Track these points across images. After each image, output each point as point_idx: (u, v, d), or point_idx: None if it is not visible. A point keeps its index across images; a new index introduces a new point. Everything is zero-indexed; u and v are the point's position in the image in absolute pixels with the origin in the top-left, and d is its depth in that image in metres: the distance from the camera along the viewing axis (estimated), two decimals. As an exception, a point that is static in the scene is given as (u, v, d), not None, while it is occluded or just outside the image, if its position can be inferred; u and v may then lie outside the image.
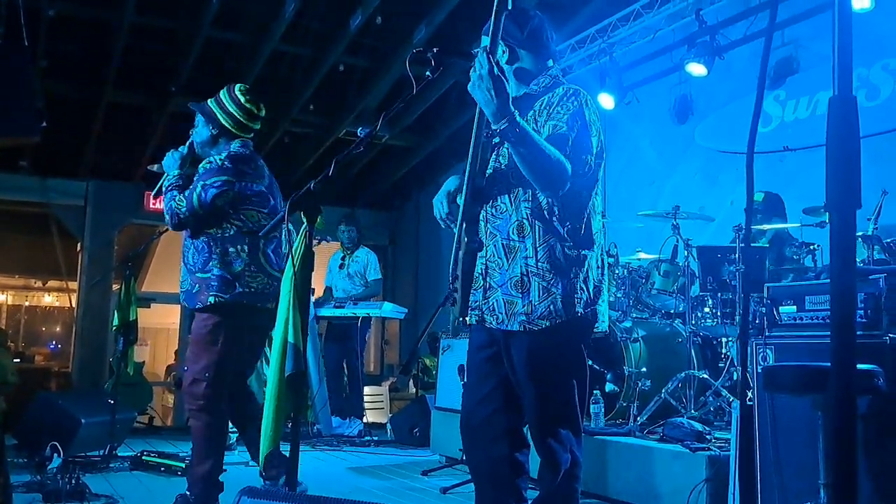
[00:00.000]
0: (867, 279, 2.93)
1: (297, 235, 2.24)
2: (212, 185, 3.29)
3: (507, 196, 2.23)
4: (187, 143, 3.51)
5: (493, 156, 2.27)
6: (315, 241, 2.19)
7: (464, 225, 2.20)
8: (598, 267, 2.28)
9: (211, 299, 3.30)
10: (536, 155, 2.04)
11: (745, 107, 6.13)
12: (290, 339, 2.17)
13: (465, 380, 2.43)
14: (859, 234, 3.92)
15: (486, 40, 2.25)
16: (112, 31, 7.06)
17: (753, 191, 1.10)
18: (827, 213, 4.32)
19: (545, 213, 2.19)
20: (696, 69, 6.00)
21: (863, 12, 4.86)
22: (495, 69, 1.96)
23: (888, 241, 4.18)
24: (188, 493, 3.37)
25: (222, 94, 3.49)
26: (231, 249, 3.35)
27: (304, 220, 2.18)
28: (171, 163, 3.47)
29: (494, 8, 2.04)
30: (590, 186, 2.24)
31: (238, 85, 3.52)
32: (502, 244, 2.22)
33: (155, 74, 7.95)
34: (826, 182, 0.91)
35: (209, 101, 3.50)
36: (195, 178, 3.36)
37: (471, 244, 2.18)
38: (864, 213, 4.05)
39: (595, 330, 2.27)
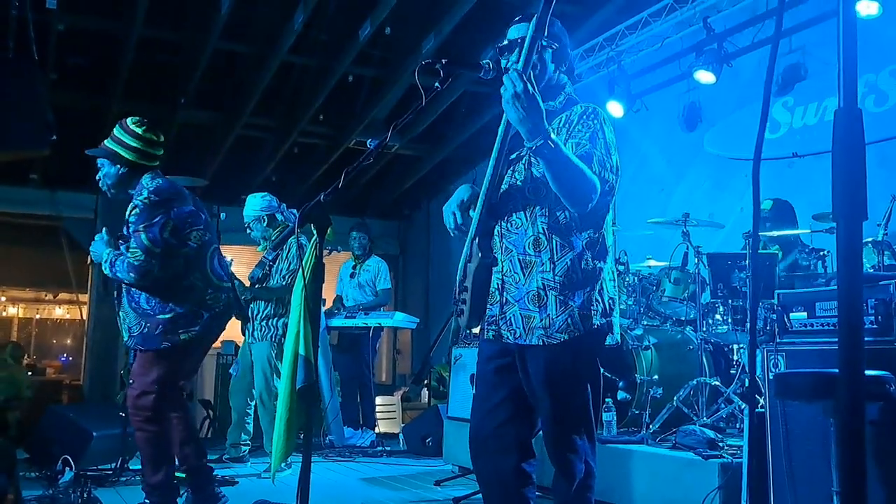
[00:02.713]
0: (878, 285, 2.91)
1: (308, 247, 2.26)
2: (153, 224, 3.29)
3: (522, 212, 2.24)
4: (103, 230, 3.51)
5: (509, 171, 2.28)
6: (326, 252, 2.22)
7: (477, 239, 2.21)
8: (611, 279, 2.29)
9: (184, 336, 3.34)
10: (569, 172, 2.06)
11: (754, 114, 6.12)
12: (301, 351, 2.17)
13: (475, 391, 2.43)
14: (869, 239, 3.91)
15: (514, 31, 2.25)
16: (121, 43, 7.11)
17: (760, 197, 1.10)
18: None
19: (562, 227, 2.20)
20: (705, 77, 6.01)
21: (870, 19, 4.87)
22: (529, 87, 1.97)
23: (899, 246, 4.17)
24: (146, 502, 3.40)
25: (117, 131, 3.48)
26: (186, 283, 3.39)
27: (315, 231, 2.19)
28: (100, 247, 3.46)
29: (532, 26, 2.05)
30: (608, 203, 2.26)
31: (130, 118, 3.52)
32: (518, 259, 2.23)
33: (163, 86, 8.01)
34: (832, 194, 0.92)
35: (106, 141, 3.49)
36: (132, 230, 3.34)
37: (485, 258, 2.19)
38: (873, 218, 4.03)
39: (608, 341, 2.28)
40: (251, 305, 5.26)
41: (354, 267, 6.96)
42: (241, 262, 5.52)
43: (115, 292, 3.51)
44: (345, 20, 7.01)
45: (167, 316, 3.34)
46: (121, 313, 3.48)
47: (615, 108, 6.56)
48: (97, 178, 3.53)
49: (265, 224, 5.36)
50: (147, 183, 3.41)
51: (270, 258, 5.31)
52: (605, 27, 6.67)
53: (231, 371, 5.69)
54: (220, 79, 7.94)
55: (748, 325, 4.20)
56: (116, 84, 7.69)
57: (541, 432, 2.28)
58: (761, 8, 5.88)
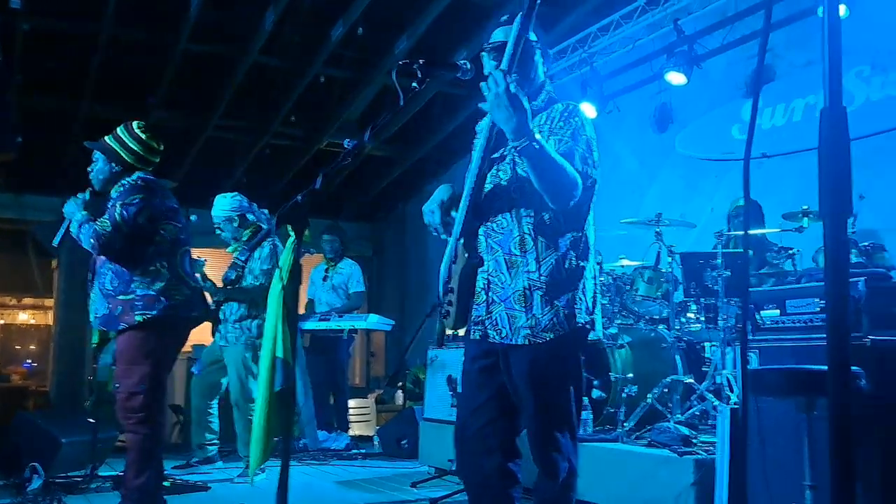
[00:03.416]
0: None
1: (285, 249, 2.24)
2: (131, 203, 3.38)
3: (507, 212, 2.24)
4: (87, 190, 3.59)
5: (493, 171, 2.29)
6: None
7: (461, 240, 2.21)
8: (593, 277, 2.31)
9: (138, 317, 3.36)
10: (552, 170, 2.08)
11: (724, 115, 6.21)
12: (279, 354, 2.15)
13: (460, 391, 2.44)
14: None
15: (500, 33, 2.25)
16: (90, 45, 7.01)
17: (749, 193, 1.11)
18: (805, 219, 4.40)
19: (547, 227, 2.21)
20: (676, 78, 6.07)
21: (837, 20, 4.94)
22: (512, 87, 2.00)
23: (864, 244, 4.25)
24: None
25: (120, 131, 3.60)
26: (151, 268, 3.44)
27: (292, 233, 2.16)
28: (74, 207, 3.52)
29: (517, 27, 2.07)
30: (590, 199, 2.28)
31: (136, 122, 3.65)
32: (504, 259, 2.23)
33: (133, 87, 7.91)
34: (819, 191, 0.93)
35: (107, 137, 3.60)
36: (109, 203, 3.44)
37: (471, 259, 2.19)
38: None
39: (590, 337, 2.30)
40: (223, 307, 5.19)
41: (327, 270, 6.88)
42: (212, 265, 5.43)
43: (90, 274, 3.57)
44: (316, 21, 6.98)
45: (128, 297, 3.38)
46: (91, 295, 3.54)
47: (588, 110, 6.60)
48: (88, 170, 3.60)
49: (236, 224, 5.27)
50: (139, 173, 3.53)
51: (243, 259, 5.23)
52: (577, 29, 6.73)
53: (193, 370, 5.59)
54: (190, 80, 7.85)
55: (720, 322, 4.25)
56: (85, 86, 7.58)
57: (524, 432, 2.28)
58: (730, 10, 5.97)
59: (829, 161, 0.91)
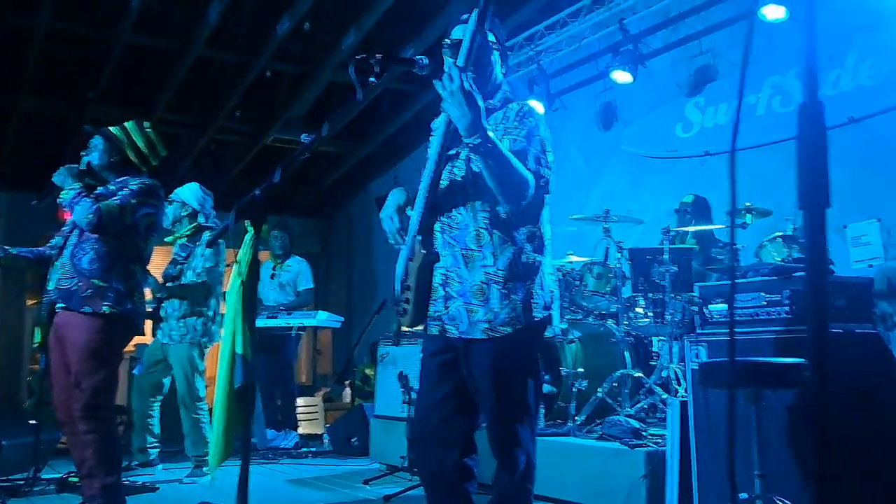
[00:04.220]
0: (791, 277, 3.07)
1: (244, 244, 2.20)
2: (144, 204, 3.47)
3: (462, 207, 2.25)
4: (84, 162, 3.58)
5: (448, 167, 2.30)
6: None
7: (419, 237, 2.21)
8: (550, 273, 2.33)
9: (105, 309, 3.36)
10: (505, 168, 2.09)
11: (667, 113, 6.34)
12: (239, 350, 2.12)
13: (413, 386, 2.44)
14: (779, 234, 4.10)
15: (459, 31, 2.26)
16: (27, 37, 6.77)
17: (736, 188, 1.14)
18: (748, 215, 4.53)
19: (503, 222, 2.23)
20: (621, 77, 6.17)
21: (777, 22, 5.10)
22: (466, 84, 2.00)
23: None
24: None
25: (130, 126, 3.65)
26: (131, 267, 3.50)
27: (250, 228, 2.14)
28: (69, 177, 3.49)
29: (473, 23, 2.08)
30: (544, 197, 2.30)
31: (146, 122, 3.74)
32: (461, 254, 2.24)
33: (73, 82, 7.67)
34: (798, 182, 0.97)
35: (111, 128, 3.63)
36: (125, 192, 3.45)
37: (428, 256, 2.20)
38: (784, 214, 4.24)
39: (547, 333, 2.32)
40: (165, 304, 5.07)
41: (274, 268, 6.81)
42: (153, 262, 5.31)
43: (62, 239, 3.52)
44: (262, 15, 6.88)
45: (102, 284, 3.37)
46: (57, 262, 3.48)
47: (535, 108, 6.65)
48: (83, 153, 3.60)
49: (185, 214, 5.16)
50: (143, 178, 3.58)
51: (184, 255, 5.13)
52: (524, 27, 6.78)
53: (134, 371, 5.44)
54: (132, 74, 7.65)
55: (668, 316, 4.34)
56: (23, 79, 7.31)
57: (484, 426, 2.30)
58: (674, 11, 6.09)
59: (806, 154, 0.95)
